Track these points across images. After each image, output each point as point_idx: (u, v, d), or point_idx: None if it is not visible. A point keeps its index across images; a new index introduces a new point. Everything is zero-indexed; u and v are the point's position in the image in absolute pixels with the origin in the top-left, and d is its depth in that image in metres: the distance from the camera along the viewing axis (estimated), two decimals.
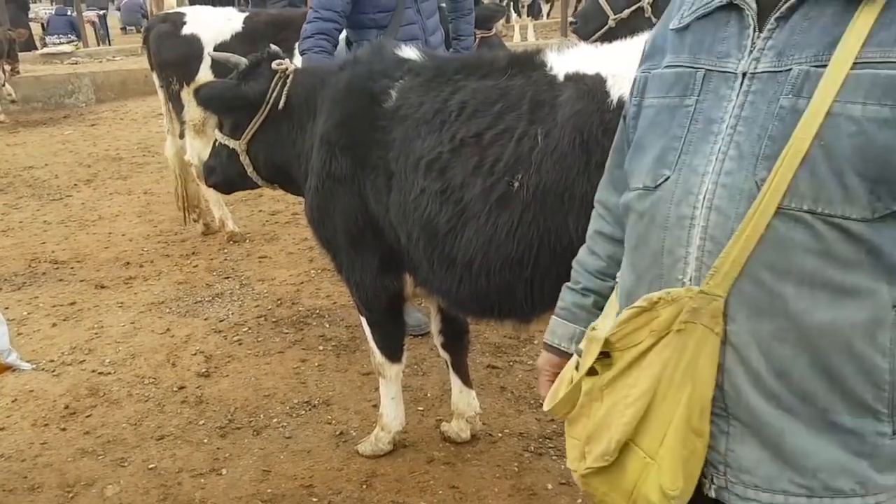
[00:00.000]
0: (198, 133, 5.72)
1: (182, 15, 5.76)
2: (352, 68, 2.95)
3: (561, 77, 2.35)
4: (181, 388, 3.94)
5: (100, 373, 4.11)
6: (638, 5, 4.55)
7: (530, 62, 2.48)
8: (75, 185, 7.80)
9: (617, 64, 2.25)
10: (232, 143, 3.25)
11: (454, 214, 2.45)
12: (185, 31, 5.57)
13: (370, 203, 2.81)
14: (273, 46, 3.32)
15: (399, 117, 2.68)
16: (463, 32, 4.65)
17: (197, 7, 6.11)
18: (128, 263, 5.68)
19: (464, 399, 3.38)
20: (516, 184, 2.31)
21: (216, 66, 5.25)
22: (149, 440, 3.51)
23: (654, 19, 4.46)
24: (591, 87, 2.24)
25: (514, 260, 2.38)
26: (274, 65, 3.13)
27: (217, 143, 3.38)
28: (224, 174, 3.41)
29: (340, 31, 4.07)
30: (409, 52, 2.87)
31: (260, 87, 3.12)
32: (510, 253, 2.38)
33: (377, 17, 4.11)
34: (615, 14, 4.58)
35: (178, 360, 4.24)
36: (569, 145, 2.21)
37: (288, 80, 3.10)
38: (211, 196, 5.92)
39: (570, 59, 2.39)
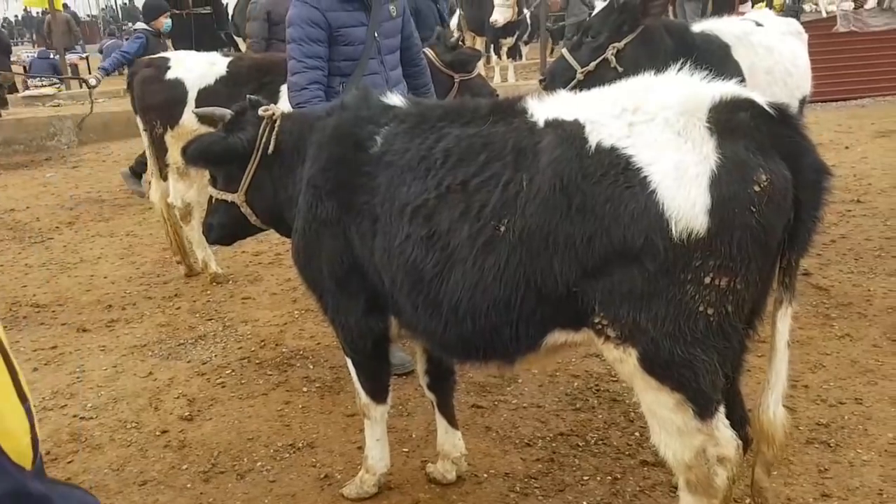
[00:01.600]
0: (181, 176, 5.75)
1: (166, 60, 5.82)
2: (339, 114, 3.00)
3: (541, 123, 2.41)
4: (164, 432, 3.91)
5: (81, 418, 4.08)
6: (602, 57, 4.71)
7: (511, 109, 2.54)
8: (57, 227, 7.77)
9: (594, 110, 2.32)
10: (230, 197, 3.25)
11: (441, 259, 2.48)
12: (169, 75, 5.63)
13: (355, 246, 2.84)
14: (251, 96, 3.37)
15: (384, 163, 2.73)
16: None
17: (181, 52, 6.19)
18: (110, 306, 5.65)
19: (449, 440, 3.38)
20: (502, 228, 2.36)
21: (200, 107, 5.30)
22: (131, 486, 3.47)
23: (619, 69, 4.60)
24: (569, 132, 2.30)
25: (501, 302, 2.41)
26: (261, 111, 3.17)
27: (213, 200, 3.38)
28: (226, 228, 3.41)
29: (325, 77, 4.14)
30: (395, 98, 2.93)
31: (248, 136, 3.15)
32: (497, 296, 2.41)
33: (342, 65, 4.21)
34: (582, 68, 4.72)
35: (160, 403, 4.21)
36: (550, 190, 2.26)
37: (276, 125, 3.14)
38: (194, 237, 5.93)
39: (549, 105, 2.46)
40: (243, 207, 3.24)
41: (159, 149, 5.80)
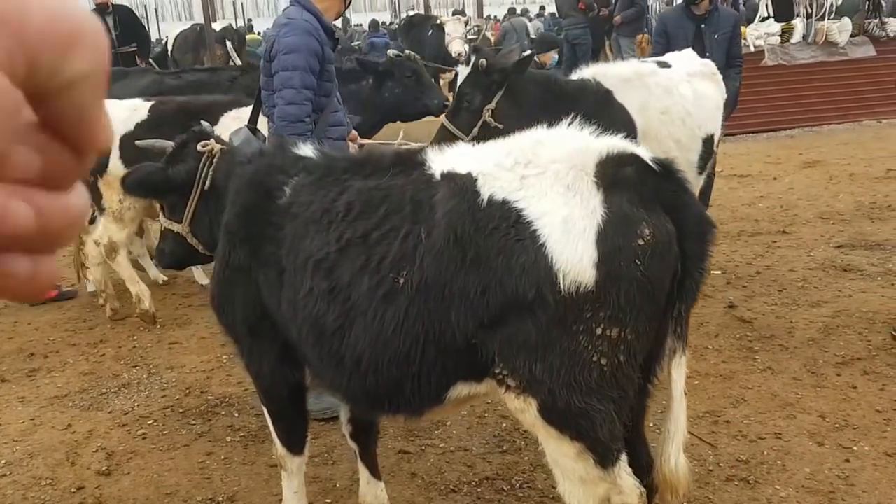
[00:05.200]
0: (116, 220, 5.67)
1: None
2: (256, 161, 3.00)
3: (437, 175, 2.43)
4: (80, 488, 3.79)
5: None
6: (481, 120, 4.84)
7: (411, 161, 2.56)
8: None
9: (487, 162, 2.34)
10: (175, 227, 3.26)
11: (342, 313, 2.47)
12: None
13: (265, 296, 2.81)
14: (203, 123, 3.37)
15: (290, 214, 2.72)
16: None
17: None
18: (32, 354, 5.48)
19: (371, 490, 3.34)
20: (402, 281, 2.36)
21: (126, 153, 5.23)
22: None
23: (499, 126, 4.71)
24: (462, 185, 2.32)
25: (402, 355, 2.40)
26: (199, 146, 3.16)
27: (163, 228, 3.39)
28: (174, 255, 3.42)
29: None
30: (307, 149, 2.93)
31: (187, 168, 3.15)
32: (397, 349, 2.40)
33: (320, 100, 4.22)
34: (465, 134, 4.83)
35: (77, 458, 4.07)
36: (445, 242, 2.27)
37: (214, 160, 3.13)
38: (125, 273, 5.83)
39: (446, 157, 2.48)
40: (188, 238, 3.25)
41: (94, 196, 5.67)
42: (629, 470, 2.39)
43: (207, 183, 3.11)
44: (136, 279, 5.87)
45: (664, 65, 5.57)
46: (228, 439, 4.20)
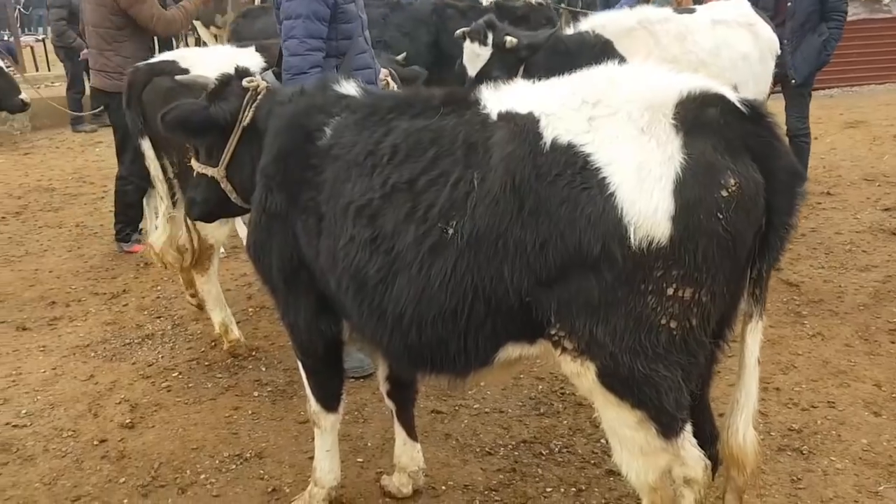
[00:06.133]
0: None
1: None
2: (296, 101, 2.80)
3: (494, 116, 2.21)
4: (102, 441, 3.67)
5: (14, 425, 3.82)
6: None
7: (464, 100, 2.34)
8: (3, 217, 7.42)
9: (551, 101, 2.12)
10: (210, 171, 3.05)
11: (384, 264, 2.29)
12: None
13: (302, 245, 2.64)
14: (242, 64, 3.16)
15: (331, 157, 2.53)
16: None
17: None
18: (53, 303, 5.37)
19: (407, 452, 3.19)
20: (450, 231, 2.16)
21: None
22: (63, 502, 3.25)
23: None
24: (523, 127, 2.10)
25: (448, 312, 2.23)
26: (244, 82, 2.96)
27: (196, 173, 3.17)
28: (207, 204, 3.19)
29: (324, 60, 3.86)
30: (350, 87, 2.72)
31: (230, 107, 2.94)
32: (443, 304, 2.22)
33: (340, 44, 3.95)
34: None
35: (100, 409, 3.96)
36: (501, 190, 2.07)
37: (258, 99, 2.92)
38: (210, 294, 4.59)
39: (504, 96, 2.26)
40: (223, 183, 3.04)
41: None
42: (693, 441, 2.21)
43: (247, 119, 2.89)
44: (223, 303, 4.65)
45: (688, 11, 5.28)
46: (255, 394, 4.07)
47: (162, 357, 4.52)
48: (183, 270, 4.73)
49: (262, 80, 3.05)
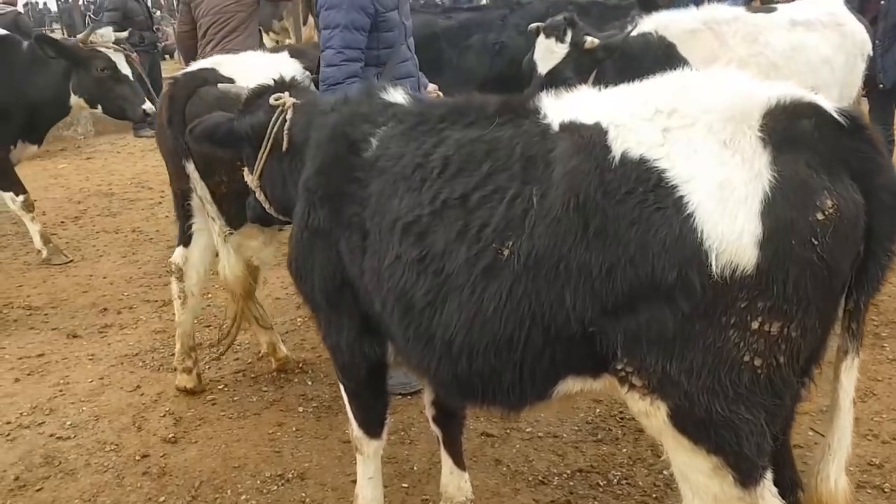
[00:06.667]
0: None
1: None
2: (339, 109, 2.66)
3: (555, 126, 2.01)
4: (144, 456, 3.58)
5: (58, 437, 3.76)
6: None
7: (522, 108, 2.15)
8: (62, 222, 7.50)
9: (620, 111, 1.91)
10: (248, 179, 3.02)
11: (433, 286, 2.12)
12: None
13: (346, 263, 2.48)
14: (284, 74, 3.07)
15: (377, 169, 2.37)
16: None
17: None
18: (105, 310, 5.35)
19: (454, 481, 3.01)
20: (506, 252, 1.98)
21: None
22: None
23: None
24: (589, 139, 1.90)
25: (502, 340, 2.03)
26: (271, 100, 2.85)
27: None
28: (255, 210, 3.16)
29: (362, 70, 3.73)
30: (397, 95, 2.57)
31: (256, 122, 2.87)
32: (497, 332, 2.03)
33: (381, 53, 3.80)
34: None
35: (144, 422, 3.88)
36: (563, 208, 1.87)
37: (287, 117, 2.81)
38: (254, 314, 4.34)
39: (567, 104, 2.06)
40: (257, 192, 2.99)
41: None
42: (774, 490, 1.97)
43: (284, 144, 2.79)
44: (268, 323, 4.48)
45: (767, 10, 4.96)
46: (301, 409, 3.94)
47: (208, 368, 4.43)
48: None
49: (298, 91, 2.95)
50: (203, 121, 3.02)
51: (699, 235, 1.72)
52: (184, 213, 4.04)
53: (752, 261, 1.70)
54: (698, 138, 1.78)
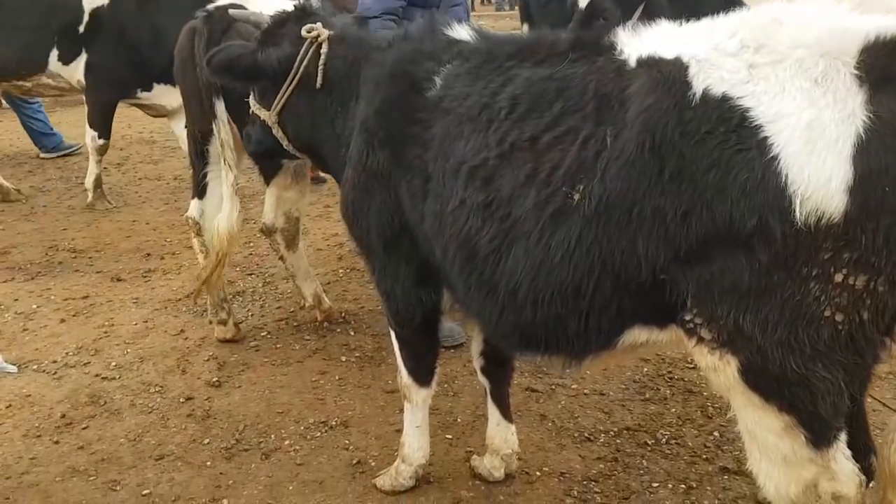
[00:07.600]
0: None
1: None
2: (399, 47, 2.56)
3: (632, 62, 1.91)
4: (189, 398, 3.59)
5: (103, 378, 3.79)
6: None
7: (596, 44, 2.04)
8: (105, 168, 7.48)
9: (704, 45, 1.80)
10: (262, 114, 2.91)
11: (499, 232, 2.05)
12: None
13: (406, 207, 2.41)
14: (300, 2, 2.96)
15: (441, 110, 2.29)
16: None
17: None
18: (148, 255, 5.37)
19: (501, 434, 2.96)
20: (576, 196, 1.89)
21: None
22: (146, 460, 3.16)
23: None
24: (667, 75, 1.79)
25: (570, 288, 1.96)
26: (304, 32, 2.73)
27: (251, 111, 3.03)
28: (261, 144, 3.07)
29: (402, 9, 3.63)
30: (463, 31, 2.46)
31: (282, 54, 2.75)
32: (565, 280, 1.95)
33: None
34: None
35: (188, 366, 3.89)
36: (638, 150, 1.77)
37: (322, 52, 2.69)
38: (299, 269, 4.29)
39: (644, 39, 1.95)
40: (274, 129, 2.89)
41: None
42: (847, 453, 1.88)
43: (319, 80, 2.69)
44: (311, 274, 4.39)
45: None
46: (343, 358, 3.92)
47: (251, 315, 4.43)
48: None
49: (327, 21, 2.81)
50: (221, 50, 2.85)
51: (783, 180, 1.61)
52: (201, 160, 3.93)
53: (840, 208, 1.59)
54: (787, 75, 1.66)
